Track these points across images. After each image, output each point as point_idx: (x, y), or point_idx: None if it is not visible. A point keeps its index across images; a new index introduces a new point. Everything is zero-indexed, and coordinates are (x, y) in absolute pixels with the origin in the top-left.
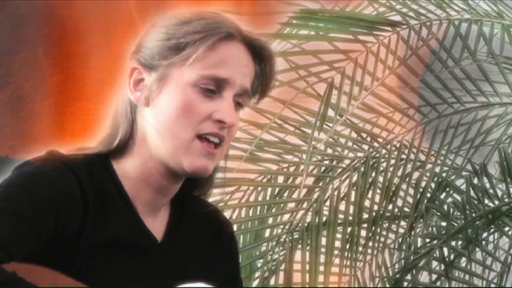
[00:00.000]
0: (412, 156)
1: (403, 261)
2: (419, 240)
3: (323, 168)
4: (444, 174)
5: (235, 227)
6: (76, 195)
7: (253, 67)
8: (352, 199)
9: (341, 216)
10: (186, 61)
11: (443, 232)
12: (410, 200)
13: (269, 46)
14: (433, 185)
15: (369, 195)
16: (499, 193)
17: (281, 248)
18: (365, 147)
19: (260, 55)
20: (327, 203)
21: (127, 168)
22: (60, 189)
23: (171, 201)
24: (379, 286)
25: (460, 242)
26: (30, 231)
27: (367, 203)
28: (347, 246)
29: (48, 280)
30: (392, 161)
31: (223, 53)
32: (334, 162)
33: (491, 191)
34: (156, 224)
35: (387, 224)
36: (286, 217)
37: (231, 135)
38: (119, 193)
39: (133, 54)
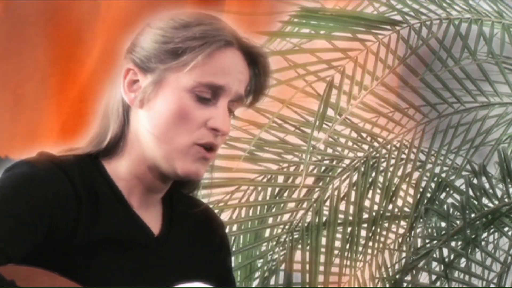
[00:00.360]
0: (412, 156)
1: (403, 261)
2: (419, 240)
3: (323, 168)
4: (444, 174)
5: (235, 227)
6: (69, 195)
7: (248, 73)
8: (352, 199)
9: (341, 216)
10: (184, 67)
11: (443, 232)
12: (410, 200)
13: (265, 54)
14: (433, 185)
15: (369, 195)
16: (499, 193)
17: (281, 248)
18: (365, 147)
19: (255, 62)
20: (327, 203)
21: (119, 168)
22: (53, 189)
23: (161, 198)
24: (379, 286)
25: (459, 243)
26: (26, 232)
27: (367, 203)
28: (347, 246)
29: (46, 282)
30: (392, 161)
31: (221, 60)
32: (334, 162)
33: (490, 191)
34: (152, 220)
35: (387, 224)
36: (286, 217)
37: (223, 140)
38: (112, 191)
39: (127, 53)
